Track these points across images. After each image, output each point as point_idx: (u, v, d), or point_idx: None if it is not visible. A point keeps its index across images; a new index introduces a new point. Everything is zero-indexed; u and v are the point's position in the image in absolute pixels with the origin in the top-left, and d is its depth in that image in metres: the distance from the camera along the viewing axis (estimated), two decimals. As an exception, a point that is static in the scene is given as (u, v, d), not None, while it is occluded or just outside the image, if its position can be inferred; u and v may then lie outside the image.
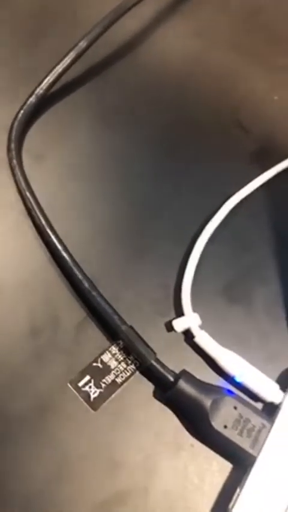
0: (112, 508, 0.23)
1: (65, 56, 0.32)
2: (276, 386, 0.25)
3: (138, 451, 0.24)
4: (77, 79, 0.34)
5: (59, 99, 0.33)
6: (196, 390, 0.24)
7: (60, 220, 0.29)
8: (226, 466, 0.24)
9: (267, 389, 0.25)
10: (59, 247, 0.27)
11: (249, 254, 0.29)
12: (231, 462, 0.24)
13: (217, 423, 0.24)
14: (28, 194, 0.29)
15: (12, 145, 0.30)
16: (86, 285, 0.26)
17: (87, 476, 0.24)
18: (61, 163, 0.31)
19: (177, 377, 0.25)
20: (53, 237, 0.27)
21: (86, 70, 0.35)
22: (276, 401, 0.25)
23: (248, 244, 0.30)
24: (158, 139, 0.33)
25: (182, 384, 0.24)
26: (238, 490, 0.23)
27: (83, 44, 0.32)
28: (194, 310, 0.27)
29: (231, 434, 0.24)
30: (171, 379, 0.25)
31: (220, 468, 0.24)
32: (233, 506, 0.23)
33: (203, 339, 0.26)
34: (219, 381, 0.26)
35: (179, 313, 0.27)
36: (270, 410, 0.25)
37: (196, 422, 0.24)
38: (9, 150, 0.30)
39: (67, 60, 0.32)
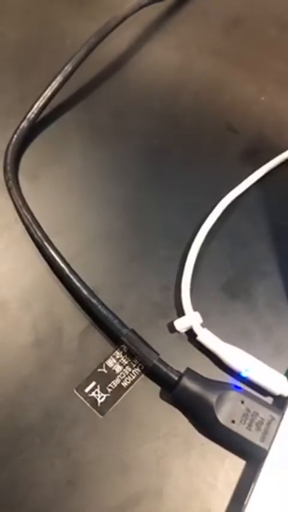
0: (126, 511, 0.23)
1: (52, 81, 0.33)
2: (284, 379, 0.25)
3: (149, 453, 0.24)
4: (67, 101, 0.35)
5: (51, 122, 0.34)
6: (200, 387, 0.24)
7: (57, 234, 0.29)
8: (239, 463, 0.24)
9: (275, 382, 0.25)
10: (57, 259, 0.28)
11: (246, 250, 0.29)
12: (244, 458, 0.24)
13: (224, 418, 0.23)
14: (25, 212, 0.29)
15: (8, 168, 0.31)
16: (85, 293, 0.26)
17: (99, 481, 0.23)
18: (55, 181, 0.32)
19: (181, 376, 0.24)
20: (50, 250, 0.28)
21: (75, 91, 0.35)
22: (285, 393, 0.25)
23: (244, 241, 0.30)
24: (150, 148, 0.33)
25: (186, 382, 0.24)
26: (252, 485, 0.23)
27: (68, 68, 0.33)
28: (196, 309, 0.27)
29: (240, 429, 0.23)
30: (175, 378, 0.24)
31: (233, 465, 0.24)
32: (247, 502, 0.22)
33: (206, 337, 0.26)
34: (226, 378, 0.25)
35: (181, 313, 0.27)
36: (280, 404, 0.24)
37: (203, 419, 0.24)
38: (5, 172, 0.31)
39: (54, 85, 0.33)
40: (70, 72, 0.33)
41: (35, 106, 0.33)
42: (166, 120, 0.34)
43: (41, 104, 0.33)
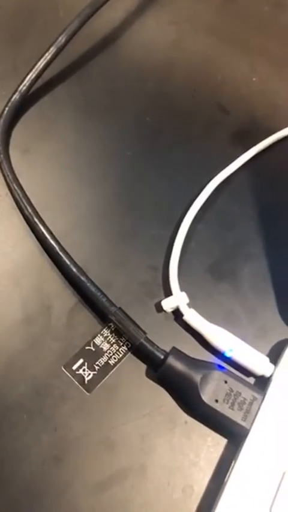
0: (111, 486, 0.22)
1: (45, 52, 0.31)
2: (266, 359, 0.24)
3: (134, 430, 0.23)
4: (59, 74, 0.33)
5: (43, 95, 0.32)
6: (185, 366, 0.23)
7: (47, 210, 0.28)
8: (221, 441, 0.23)
9: (258, 362, 0.24)
10: (47, 235, 0.26)
11: (234, 232, 0.28)
12: (226, 437, 0.23)
13: (208, 397, 0.23)
14: (16, 187, 0.28)
15: (-1, 141, 0.29)
16: (75, 270, 0.25)
17: (85, 457, 0.23)
18: (46, 156, 0.30)
19: (166, 354, 0.24)
20: (40, 226, 0.26)
21: (68, 65, 0.33)
22: (267, 374, 0.24)
23: (232, 223, 0.28)
24: (141, 125, 0.31)
25: (171, 361, 0.23)
26: (233, 462, 0.22)
27: (62, 39, 0.31)
28: (183, 290, 0.26)
29: (223, 408, 0.23)
30: (161, 356, 0.24)
31: (215, 443, 0.23)
32: (228, 478, 0.22)
33: (192, 317, 0.25)
34: (210, 358, 0.25)
35: (168, 293, 0.26)
36: (262, 384, 0.24)
37: (187, 397, 0.23)
38: (-4, 146, 0.29)
39: (48, 56, 0.31)
40: (63, 43, 0.31)
41: (27, 78, 0.31)
42: (158, 98, 0.32)
43: (33, 76, 0.31)
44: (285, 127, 0.31)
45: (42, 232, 0.26)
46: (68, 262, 0.26)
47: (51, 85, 0.32)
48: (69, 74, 0.33)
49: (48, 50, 0.31)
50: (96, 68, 0.33)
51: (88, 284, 0.25)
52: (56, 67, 0.32)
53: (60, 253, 0.26)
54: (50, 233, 0.26)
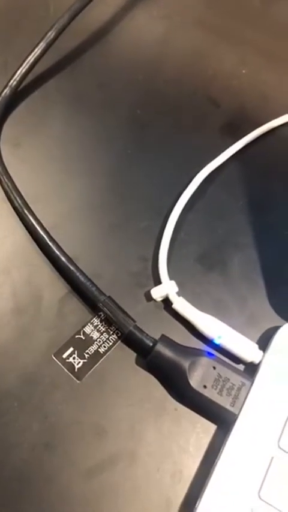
0: (101, 472, 0.22)
1: (35, 47, 0.31)
2: (256, 346, 0.24)
3: (124, 417, 0.24)
4: (49, 69, 0.33)
5: (33, 90, 0.32)
6: (174, 353, 0.23)
7: (38, 202, 0.28)
8: (210, 427, 0.24)
9: (247, 349, 0.24)
10: (37, 226, 0.26)
11: (223, 222, 0.28)
12: (215, 423, 0.24)
13: (196, 383, 0.23)
14: (6, 179, 0.28)
15: (-10, 135, 0.29)
16: (64, 260, 0.26)
17: (75, 444, 0.23)
18: (37, 149, 0.30)
19: (155, 342, 0.24)
20: (30, 217, 0.27)
21: (58, 59, 0.33)
22: (256, 360, 0.24)
23: (222, 213, 0.29)
24: (131, 118, 0.32)
25: (160, 348, 0.23)
26: (222, 448, 0.22)
27: (51, 34, 0.31)
28: (172, 279, 0.26)
29: (211, 394, 0.23)
30: (150, 344, 0.24)
31: (204, 429, 0.23)
32: (217, 464, 0.22)
33: (181, 305, 0.25)
34: (199, 346, 0.25)
35: (158, 283, 0.26)
36: (251, 371, 0.24)
37: (176, 384, 0.23)
38: (-14, 139, 0.29)
39: (37, 51, 0.31)
40: (53, 38, 0.31)
41: (17, 73, 0.31)
42: (149, 91, 0.33)
43: (24, 70, 0.31)
44: (274, 118, 0.31)
45: (32, 223, 0.27)
46: (57, 252, 0.26)
47: (41, 80, 0.33)
48: (60, 68, 0.33)
49: (37, 45, 0.31)
50: (87, 63, 0.34)
51: (78, 274, 0.25)
52: (46, 62, 0.32)
53: (50, 243, 0.26)
54: (40, 224, 0.27)
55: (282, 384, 0.23)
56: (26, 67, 0.31)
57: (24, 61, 0.31)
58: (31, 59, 0.31)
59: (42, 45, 0.31)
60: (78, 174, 0.30)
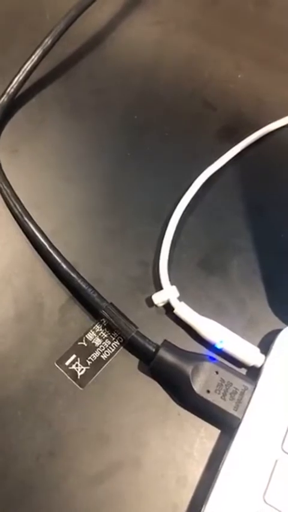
0: (105, 480, 0.22)
1: (32, 54, 0.31)
2: (257, 350, 0.25)
3: (127, 423, 0.23)
4: (46, 76, 0.33)
5: (30, 97, 0.32)
6: (177, 358, 0.23)
7: (37, 209, 0.28)
8: (214, 432, 0.24)
9: (249, 353, 0.24)
10: (37, 233, 0.26)
11: (223, 226, 0.28)
12: (218, 427, 0.24)
13: (199, 388, 0.23)
14: (5, 186, 0.28)
15: (-12, 143, 0.29)
16: (65, 267, 0.26)
17: (79, 452, 0.23)
18: (35, 156, 0.30)
19: (158, 347, 0.24)
20: (30, 224, 0.27)
21: (55, 66, 0.34)
22: (258, 364, 0.24)
23: (221, 217, 0.29)
24: (128, 123, 0.32)
25: (163, 353, 0.23)
26: (226, 452, 0.22)
27: (48, 41, 0.31)
28: (173, 284, 0.26)
29: (215, 398, 0.23)
30: (153, 349, 0.24)
31: (208, 434, 0.23)
32: (221, 468, 0.22)
33: (182, 310, 0.25)
34: (201, 350, 0.25)
35: (159, 288, 0.26)
36: (254, 375, 0.24)
37: (179, 389, 0.23)
38: (-16, 147, 0.29)
39: (34, 58, 0.31)
40: (50, 45, 0.32)
41: (15, 80, 0.31)
42: (145, 97, 0.33)
43: (21, 78, 0.31)
44: (271, 122, 0.31)
45: (32, 230, 0.27)
46: (58, 259, 0.26)
47: (38, 87, 0.33)
48: (56, 75, 0.33)
49: (34, 52, 0.31)
50: (83, 69, 0.34)
51: (79, 280, 0.25)
52: (43, 69, 0.33)
53: (50, 250, 0.26)
54: (40, 231, 0.27)
55: (284, 387, 0.23)
56: (23, 74, 0.31)
57: (21, 68, 0.31)
58: (28, 66, 0.31)
59: (39, 52, 0.31)
60: (77, 179, 0.30)
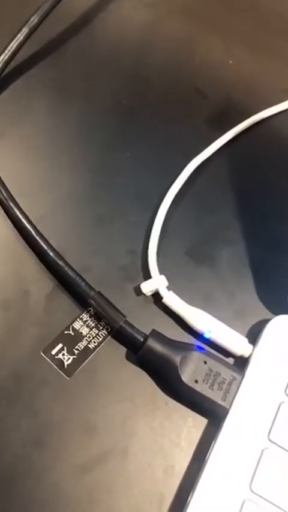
0: (92, 469, 0.22)
1: (17, 33, 0.30)
2: (245, 340, 0.25)
3: (115, 413, 0.23)
4: (32, 56, 0.32)
5: (16, 78, 0.31)
6: (165, 348, 0.23)
7: (23, 195, 0.27)
8: (201, 422, 0.24)
9: (237, 343, 0.24)
10: (23, 220, 0.26)
11: (212, 216, 0.28)
12: (206, 417, 0.24)
13: (187, 378, 0.23)
14: (-10, 171, 0.27)
15: (-28, 125, 0.29)
16: (52, 255, 0.25)
17: (66, 441, 0.23)
18: (21, 140, 0.30)
19: (146, 337, 0.24)
20: (16, 210, 0.26)
21: (41, 47, 0.33)
22: (246, 354, 0.24)
23: (211, 206, 0.29)
24: (117, 109, 0.31)
25: (151, 343, 0.23)
26: (213, 442, 0.22)
27: (34, 19, 0.30)
28: (162, 273, 0.26)
29: (203, 388, 0.23)
30: (141, 339, 0.24)
31: (196, 424, 0.24)
32: (208, 458, 0.22)
33: (171, 299, 0.25)
34: (190, 340, 0.25)
35: (147, 277, 0.26)
36: (241, 364, 0.24)
37: (167, 379, 0.23)
38: None
39: (20, 37, 0.30)
40: (36, 24, 0.30)
41: (0, 60, 0.30)
42: (135, 81, 0.32)
43: (6, 57, 0.30)
44: (262, 110, 0.31)
45: (18, 216, 0.26)
46: (44, 246, 0.25)
47: (24, 68, 0.32)
48: (43, 56, 0.32)
49: (20, 30, 0.30)
50: (71, 50, 0.33)
51: (66, 268, 0.25)
52: (29, 49, 0.32)
53: (37, 237, 0.26)
54: (26, 217, 0.26)
55: (271, 377, 0.24)
56: (9, 54, 0.30)
57: (6, 48, 0.30)
58: (13, 45, 0.30)
59: (25, 30, 0.30)
60: (65, 165, 0.29)
